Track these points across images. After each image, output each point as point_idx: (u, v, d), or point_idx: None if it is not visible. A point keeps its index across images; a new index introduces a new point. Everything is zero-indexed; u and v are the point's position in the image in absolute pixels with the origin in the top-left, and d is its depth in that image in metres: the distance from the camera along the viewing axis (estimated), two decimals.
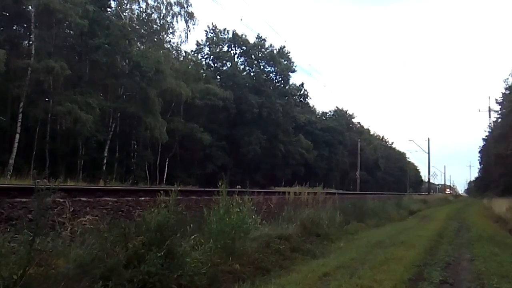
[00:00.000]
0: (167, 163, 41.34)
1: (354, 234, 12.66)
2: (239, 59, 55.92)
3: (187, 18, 43.97)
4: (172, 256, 5.23)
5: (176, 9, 43.09)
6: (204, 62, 54.47)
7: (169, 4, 42.67)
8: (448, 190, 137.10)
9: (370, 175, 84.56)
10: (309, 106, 76.22)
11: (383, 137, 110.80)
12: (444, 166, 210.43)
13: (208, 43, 54.40)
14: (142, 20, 42.79)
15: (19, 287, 3.66)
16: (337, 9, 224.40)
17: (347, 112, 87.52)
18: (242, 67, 55.79)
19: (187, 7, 43.44)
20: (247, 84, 52.59)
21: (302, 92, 68.26)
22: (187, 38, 46.73)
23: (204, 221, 7.09)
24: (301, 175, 49.80)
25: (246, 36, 55.50)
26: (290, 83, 60.82)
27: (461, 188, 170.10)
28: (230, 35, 55.18)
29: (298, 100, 67.24)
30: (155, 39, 43.61)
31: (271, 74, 57.38)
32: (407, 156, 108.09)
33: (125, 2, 41.15)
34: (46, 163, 28.54)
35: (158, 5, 42.50)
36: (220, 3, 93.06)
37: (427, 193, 72.75)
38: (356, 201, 18.90)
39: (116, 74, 34.68)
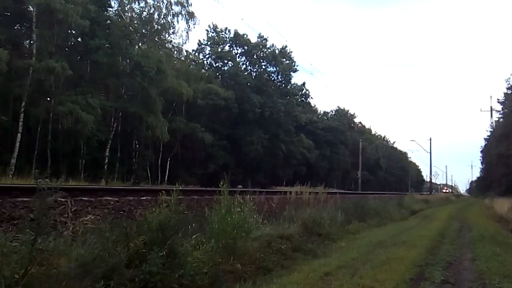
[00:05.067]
0: (168, 162, 41.38)
1: (356, 233, 12.66)
2: (241, 58, 55.87)
3: (188, 18, 43.88)
4: (174, 255, 5.24)
5: (176, 8, 43.04)
6: (205, 62, 54.47)
7: (170, 3, 42.64)
8: (445, 189, 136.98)
9: (371, 175, 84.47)
10: (311, 105, 76.28)
11: (384, 136, 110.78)
12: (446, 166, 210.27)
13: (209, 42, 54.40)
14: (143, 19, 42.76)
15: (21, 286, 3.67)
16: (339, 9, 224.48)
17: (349, 112, 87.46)
18: (243, 66, 55.72)
19: (187, 6, 43.40)
20: (249, 84, 52.55)
21: (303, 92, 68.15)
22: (188, 37, 46.70)
23: (205, 221, 7.10)
24: (303, 175, 49.80)
25: (247, 35, 55.52)
26: (292, 82, 60.84)
27: (462, 188, 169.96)
28: (232, 35, 55.16)
29: (299, 99, 67.11)
30: (156, 39, 43.56)
31: (272, 74, 57.32)
32: (408, 155, 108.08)
33: (126, 2, 41.13)
34: (47, 163, 28.58)
35: (159, 4, 42.47)
36: (222, 3, 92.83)
37: (428, 192, 72.74)
38: (358, 201, 18.89)
39: (117, 74, 34.70)
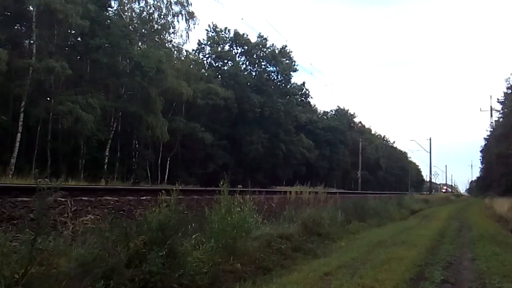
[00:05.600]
0: (168, 162, 41.36)
1: (356, 233, 12.66)
2: (241, 58, 55.87)
3: (188, 18, 43.88)
4: (174, 255, 5.24)
5: (176, 8, 43.03)
6: (205, 62, 54.47)
7: (170, 3, 42.62)
8: (444, 188, 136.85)
9: (371, 175, 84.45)
10: (311, 105, 76.16)
11: (384, 136, 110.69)
12: (446, 166, 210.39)
13: (209, 42, 54.39)
14: (143, 19, 42.75)
15: (21, 286, 3.67)
16: (339, 8, 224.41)
17: (349, 112, 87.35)
18: (243, 66, 55.70)
19: (187, 6, 43.37)
20: (249, 84, 52.56)
21: (303, 92, 68.08)
22: (188, 37, 46.67)
23: (205, 221, 7.10)
24: (303, 175, 49.80)
25: (247, 35, 55.56)
26: (292, 82, 60.78)
27: (462, 188, 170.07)
28: (232, 35, 55.19)
29: (299, 99, 67.05)
30: (156, 39, 43.56)
31: (272, 74, 57.32)
32: (408, 155, 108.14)
33: (126, 1, 41.12)
34: (47, 163, 28.56)
35: (158, 4, 42.46)
36: (222, 2, 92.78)
37: (428, 192, 72.71)
38: (358, 201, 18.88)
39: (117, 73, 34.66)
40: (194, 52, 53.86)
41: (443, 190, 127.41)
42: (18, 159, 26.91)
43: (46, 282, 3.86)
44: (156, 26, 43.56)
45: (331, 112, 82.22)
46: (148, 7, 42.61)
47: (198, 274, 5.34)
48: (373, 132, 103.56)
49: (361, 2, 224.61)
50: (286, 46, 57.32)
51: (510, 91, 49.20)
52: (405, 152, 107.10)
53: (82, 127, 28.25)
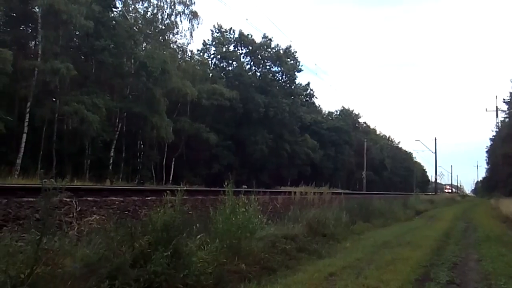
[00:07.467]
0: (173, 163, 41.43)
1: (361, 234, 12.62)
2: (245, 58, 55.93)
3: (191, 17, 43.86)
4: (178, 255, 5.24)
5: (179, 8, 43.07)
6: (210, 62, 54.54)
7: (173, 2, 42.64)
8: (448, 187, 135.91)
9: (376, 175, 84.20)
10: (315, 106, 76.08)
11: (389, 137, 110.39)
12: (451, 166, 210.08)
13: (214, 42, 54.49)
14: (147, 20, 42.83)
15: (26, 286, 3.68)
16: (344, 9, 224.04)
17: (353, 112, 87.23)
18: (248, 66, 55.82)
19: (190, 5, 43.34)
20: (253, 84, 52.57)
21: (308, 92, 68.07)
22: (191, 37, 46.65)
23: (210, 221, 7.10)
24: (307, 175, 49.72)
25: (252, 36, 55.64)
26: (296, 82, 60.75)
27: (468, 188, 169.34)
28: (236, 35, 55.25)
29: (304, 100, 67.05)
30: (161, 39, 43.63)
31: (277, 74, 57.35)
32: (413, 156, 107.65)
33: (130, 2, 41.22)
34: (53, 163, 28.69)
35: (162, 3, 42.50)
36: (226, 3, 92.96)
37: (434, 193, 72.37)
38: (363, 201, 18.81)
39: (122, 74, 34.81)
40: (199, 52, 54.05)
41: (446, 191, 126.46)
42: (24, 160, 27.04)
43: (52, 282, 3.87)
44: (160, 26, 43.61)
45: (336, 113, 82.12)
46: (152, 7, 42.75)
47: (203, 274, 5.34)
48: (378, 132, 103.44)
49: (366, 3, 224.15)
50: (290, 46, 57.43)
51: None
52: (410, 152, 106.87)
53: (88, 128, 28.38)
